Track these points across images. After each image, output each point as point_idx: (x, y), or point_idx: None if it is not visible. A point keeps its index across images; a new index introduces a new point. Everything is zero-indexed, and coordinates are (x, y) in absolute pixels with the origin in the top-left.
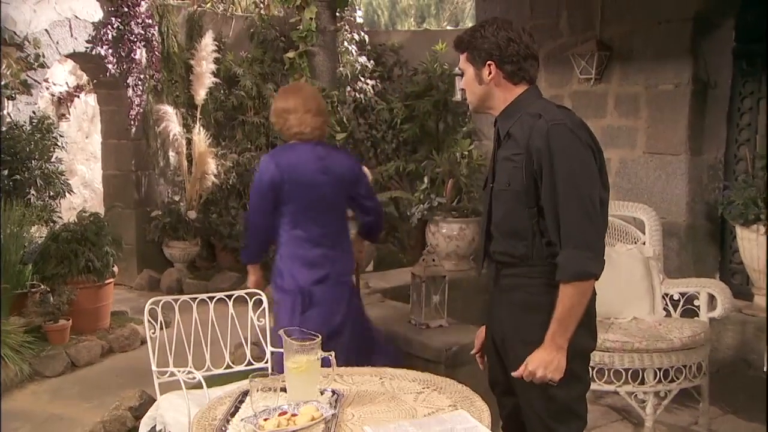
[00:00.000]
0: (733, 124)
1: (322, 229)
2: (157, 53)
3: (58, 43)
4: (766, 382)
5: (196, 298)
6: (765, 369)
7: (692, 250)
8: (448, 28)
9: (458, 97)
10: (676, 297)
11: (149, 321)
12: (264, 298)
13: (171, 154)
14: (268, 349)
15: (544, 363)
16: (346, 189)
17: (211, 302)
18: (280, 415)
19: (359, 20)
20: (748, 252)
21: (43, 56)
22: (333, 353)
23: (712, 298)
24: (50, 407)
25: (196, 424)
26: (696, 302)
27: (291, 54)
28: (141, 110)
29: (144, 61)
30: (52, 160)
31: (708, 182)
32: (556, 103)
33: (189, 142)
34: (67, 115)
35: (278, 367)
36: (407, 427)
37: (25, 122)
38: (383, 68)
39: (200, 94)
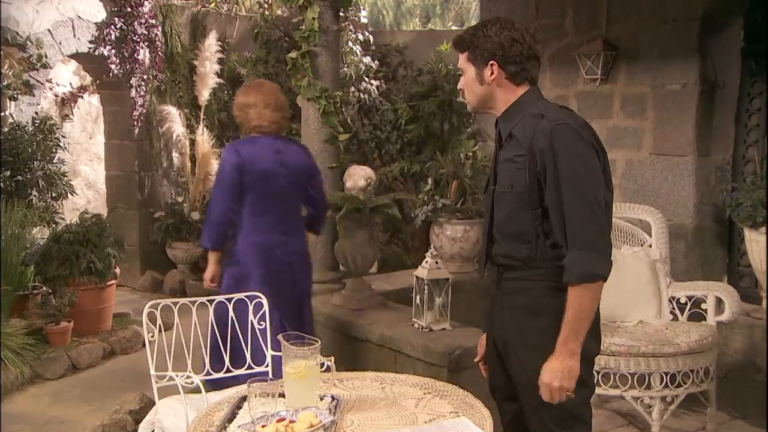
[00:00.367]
0: (742, 125)
1: (277, 217)
2: (160, 53)
3: (60, 43)
4: (766, 384)
5: (195, 301)
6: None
7: (699, 253)
8: (453, 28)
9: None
10: (683, 300)
11: (147, 324)
12: (264, 301)
13: (174, 154)
14: (269, 353)
15: (558, 372)
16: (301, 180)
17: (211, 305)
18: (278, 421)
19: (364, 20)
20: (757, 254)
21: (46, 57)
22: (332, 358)
23: (719, 302)
24: (50, 410)
25: (193, 431)
26: (703, 306)
27: (293, 54)
28: (144, 111)
29: (147, 61)
30: (55, 160)
31: (716, 184)
32: (558, 103)
33: (192, 142)
34: (71, 116)
35: (279, 372)
36: None
37: (27, 123)
38: (388, 68)
39: (204, 95)
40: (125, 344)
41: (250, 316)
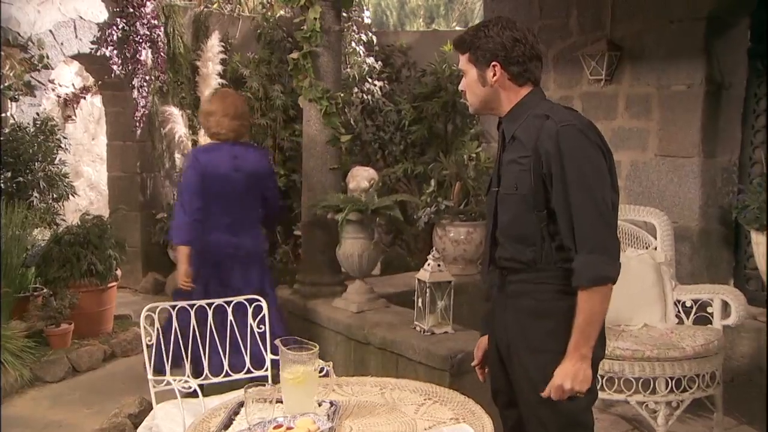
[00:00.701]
0: (748, 126)
1: (232, 218)
2: (162, 54)
3: (62, 44)
4: (766, 388)
5: (194, 305)
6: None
7: (705, 256)
8: (457, 28)
9: None
10: (688, 304)
11: (145, 328)
12: (264, 305)
13: (176, 155)
14: (268, 357)
15: (570, 375)
16: (256, 184)
17: (210, 309)
18: (275, 428)
19: (367, 21)
20: (763, 257)
21: (47, 57)
22: (331, 364)
23: (725, 305)
24: (50, 413)
25: None
26: (709, 309)
27: (295, 55)
28: (146, 112)
29: (149, 62)
30: (56, 162)
31: (722, 185)
32: (562, 104)
33: (194, 143)
34: (73, 117)
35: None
36: None
37: (28, 124)
38: (391, 69)
39: (206, 96)
40: (126, 347)
41: (249, 320)
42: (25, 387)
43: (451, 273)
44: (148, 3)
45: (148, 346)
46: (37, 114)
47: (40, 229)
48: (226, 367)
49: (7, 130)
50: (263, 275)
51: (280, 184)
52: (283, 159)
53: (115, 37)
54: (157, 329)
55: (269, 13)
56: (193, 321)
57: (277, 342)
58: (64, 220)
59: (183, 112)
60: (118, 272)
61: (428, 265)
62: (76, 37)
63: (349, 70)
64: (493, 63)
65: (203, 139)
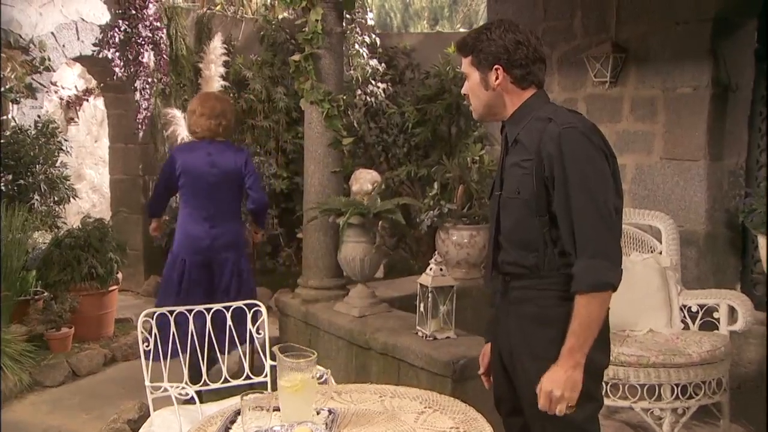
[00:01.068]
0: (755, 129)
1: (207, 211)
2: (165, 56)
3: (64, 46)
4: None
5: (192, 310)
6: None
7: (711, 260)
8: (461, 30)
9: None
10: (694, 309)
11: (142, 333)
12: (263, 310)
13: None
14: (267, 363)
15: (559, 381)
16: (231, 181)
17: (209, 314)
18: None
19: (371, 22)
20: None
21: (49, 60)
22: (329, 371)
23: (732, 311)
24: (49, 418)
25: None
26: (715, 314)
27: (296, 57)
28: (148, 114)
29: (152, 64)
30: (57, 164)
31: (728, 189)
32: (566, 107)
33: None
34: (76, 119)
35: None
36: None
37: (29, 126)
38: (395, 71)
39: None
40: (127, 350)
41: (248, 324)
42: (24, 391)
43: (454, 277)
44: (150, 5)
45: (145, 352)
46: (39, 116)
47: (41, 232)
48: (224, 373)
49: (8, 133)
50: (240, 263)
51: (282, 187)
52: (286, 161)
53: (117, 39)
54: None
55: (271, 15)
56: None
57: (275, 349)
58: (65, 223)
59: (185, 114)
60: (119, 275)
61: (430, 269)
62: (78, 39)
63: (352, 72)
64: (496, 66)
65: None
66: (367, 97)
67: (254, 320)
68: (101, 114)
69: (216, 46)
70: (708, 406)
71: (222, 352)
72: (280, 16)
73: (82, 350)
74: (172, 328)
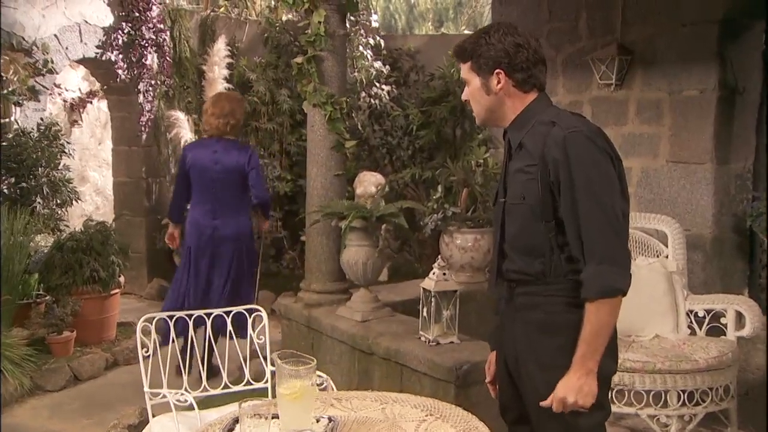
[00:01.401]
0: (763, 132)
1: (211, 205)
2: (168, 58)
3: (67, 48)
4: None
5: (191, 315)
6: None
7: (718, 265)
8: (466, 32)
9: None
10: (701, 314)
11: (141, 339)
12: (264, 315)
13: None
14: (268, 369)
15: (574, 389)
16: (234, 176)
17: (209, 319)
18: None
19: (375, 24)
20: None
21: (52, 62)
22: (329, 378)
23: (740, 316)
24: (49, 423)
25: None
26: (723, 320)
27: (299, 59)
28: (152, 116)
29: (155, 66)
30: (60, 167)
31: (736, 193)
32: (570, 110)
33: None
34: (80, 122)
35: None
36: None
37: (32, 129)
38: (399, 73)
39: None
40: (128, 354)
41: (249, 330)
42: (25, 396)
43: (459, 281)
44: (153, 7)
45: (144, 358)
46: (41, 119)
47: (43, 235)
48: (225, 379)
49: (10, 135)
50: (241, 256)
51: (286, 189)
52: (290, 164)
53: (120, 42)
54: (154, 340)
55: (273, 17)
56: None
57: (274, 356)
58: (67, 226)
59: (189, 116)
60: (121, 279)
61: (433, 273)
62: (81, 41)
63: (356, 74)
64: (497, 70)
65: None
66: (372, 100)
67: (255, 325)
68: (105, 116)
69: (220, 48)
70: (715, 413)
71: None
72: (284, 18)
73: (84, 354)
74: (172, 334)
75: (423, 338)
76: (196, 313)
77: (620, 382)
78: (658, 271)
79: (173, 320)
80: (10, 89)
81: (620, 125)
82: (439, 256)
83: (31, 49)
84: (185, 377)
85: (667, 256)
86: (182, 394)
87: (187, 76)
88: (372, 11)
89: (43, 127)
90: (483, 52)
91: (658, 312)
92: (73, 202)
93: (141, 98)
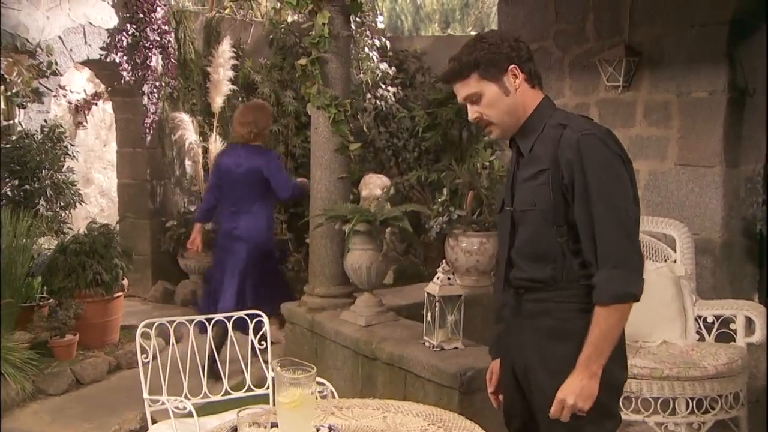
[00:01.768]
0: None
1: (234, 205)
2: (173, 60)
3: (71, 50)
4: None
5: (192, 320)
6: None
7: (728, 269)
8: (473, 33)
9: None
10: (710, 320)
11: (141, 345)
12: (266, 320)
13: (187, 163)
14: (269, 374)
15: (575, 391)
16: (254, 178)
17: (210, 324)
18: None
19: (381, 25)
20: None
21: (56, 64)
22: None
23: (750, 322)
24: (50, 428)
25: None
26: (732, 326)
27: (302, 61)
28: (156, 118)
29: (160, 68)
30: (63, 169)
31: (745, 196)
32: (577, 112)
33: (205, 150)
34: (85, 123)
35: None
36: None
37: (36, 131)
38: (405, 75)
39: (217, 102)
40: (131, 358)
41: (251, 336)
42: (26, 400)
43: (464, 284)
44: (158, 8)
45: (144, 364)
46: (45, 121)
47: (46, 238)
48: (225, 385)
49: (14, 137)
50: (255, 253)
51: None
52: (295, 166)
53: (124, 43)
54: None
55: (276, 19)
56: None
57: (274, 363)
58: (70, 229)
59: (193, 118)
60: (125, 282)
61: (438, 278)
62: (86, 43)
63: (362, 75)
64: (511, 66)
65: (213, 146)
66: (377, 101)
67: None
68: (110, 118)
69: (225, 49)
70: (725, 420)
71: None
72: (290, 20)
73: (87, 358)
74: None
75: (427, 343)
76: (197, 318)
77: (627, 388)
78: (666, 275)
79: (173, 326)
80: (13, 91)
81: (628, 127)
82: (444, 260)
83: (35, 51)
84: (185, 383)
85: (675, 261)
86: (181, 401)
87: (192, 78)
88: (378, 12)
89: (46, 129)
90: (489, 56)
91: (666, 317)
92: (78, 204)
93: (145, 100)
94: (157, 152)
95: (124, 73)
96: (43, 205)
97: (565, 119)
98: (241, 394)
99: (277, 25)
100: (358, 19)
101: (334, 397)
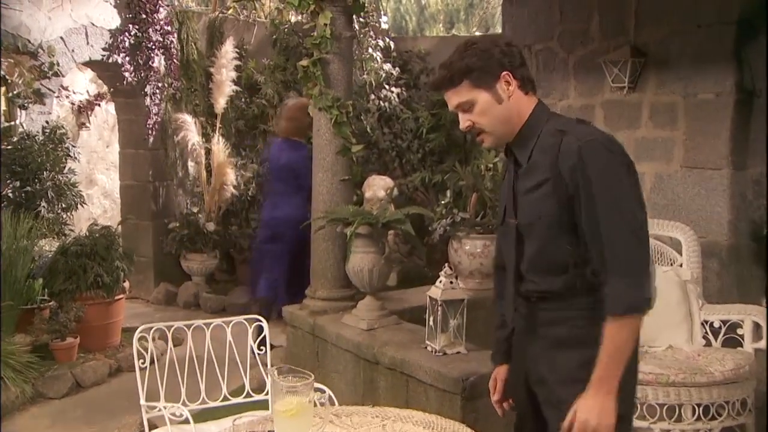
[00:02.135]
0: None
1: (275, 196)
2: (175, 61)
3: (73, 51)
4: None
5: (191, 325)
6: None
7: (735, 273)
8: (477, 33)
9: None
10: (716, 324)
11: (138, 350)
12: (265, 325)
13: (190, 164)
14: (269, 380)
15: (596, 411)
16: (285, 173)
17: (208, 329)
18: None
19: (384, 26)
20: None
21: (58, 64)
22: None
23: (757, 327)
24: None
25: None
26: (739, 331)
27: (304, 62)
28: (159, 119)
29: (162, 68)
30: (65, 171)
31: (753, 199)
32: (579, 115)
33: (208, 151)
34: (88, 124)
35: None
36: None
37: (37, 132)
38: (409, 75)
39: (220, 103)
40: (132, 361)
41: (249, 341)
42: (26, 403)
43: (468, 287)
44: (161, 9)
45: (141, 369)
46: (47, 122)
47: (48, 240)
48: (224, 391)
49: (15, 139)
50: (293, 243)
51: None
52: None
53: (127, 44)
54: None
55: (279, 19)
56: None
57: (272, 371)
58: (72, 230)
59: (196, 119)
60: (126, 284)
61: (440, 282)
62: (88, 43)
63: (365, 76)
64: (503, 73)
65: (215, 147)
66: (381, 102)
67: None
68: (113, 119)
69: (228, 50)
70: (732, 427)
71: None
72: (293, 20)
73: (88, 361)
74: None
75: (429, 348)
76: (195, 322)
77: None
78: (672, 279)
79: (171, 330)
80: (15, 92)
81: (633, 129)
82: (447, 264)
83: (37, 52)
84: (182, 389)
85: (681, 265)
86: (178, 408)
87: (195, 79)
88: (382, 12)
89: (48, 131)
90: (480, 63)
91: (671, 322)
92: (79, 205)
93: (148, 101)
94: (160, 153)
95: (127, 74)
96: (44, 206)
97: (564, 125)
98: (240, 399)
99: (279, 25)
100: (361, 20)
101: (333, 403)
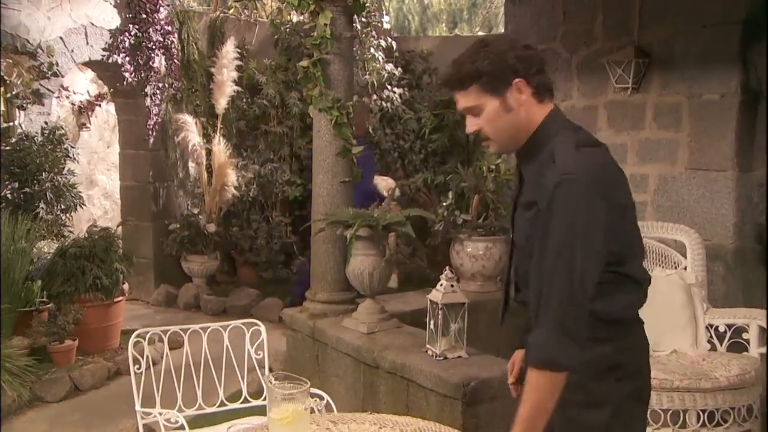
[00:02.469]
0: None
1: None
2: (176, 61)
3: (73, 51)
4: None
5: (187, 329)
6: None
7: (740, 277)
8: (480, 33)
9: None
10: (721, 329)
11: (134, 356)
12: (262, 329)
13: (190, 165)
14: (266, 385)
15: None
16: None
17: (205, 333)
18: None
19: (387, 26)
20: None
21: (57, 65)
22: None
23: (763, 331)
24: None
25: None
26: (745, 335)
27: (304, 63)
28: (159, 120)
29: (163, 69)
30: (64, 172)
31: (758, 201)
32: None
33: (209, 152)
34: (88, 125)
35: None
36: None
37: (36, 133)
38: (412, 76)
39: (221, 103)
40: None
41: (247, 345)
42: (23, 407)
43: (469, 290)
44: (161, 9)
45: (137, 375)
46: (46, 123)
47: (46, 242)
48: (221, 396)
49: (14, 140)
50: None
51: (296, 194)
52: (300, 168)
53: (127, 44)
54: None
55: (279, 19)
56: None
57: (266, 378)
58: (71, 232)
59: (197, 120)
60: (125, 286)
61: (441, 285)
62: (87, 43)
63: (367, 76)
64: (516, 80)
65: (216, 148)
66: (383, 103)
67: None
68: (113, 119)
69: (229, 50)
70: None
71: None
72: (295, 20)
73: (86, 363)
74: None
75: (430, 352)
76: (192, 327)
77: None
78: (676, 283)
79: (167, 335)
80: (13, 93)
81: (637, 130)
82: (448, 267)
83: (36, 52)
84: (179, 395)
85: (685, 268)
86: (174, 414)
87: (196, 79)
88: (384, 12)
89: (47, 131)
90: (492, 67)
91: (676, 326)
92: (78, 207)
93: (148, 101)
94: (160, 154)
95: (127, 74)
96: (43, 208)
97: (558, 148)
98: (237, 405)
99: (280, 25)
100: (363, 20)
101: (331, 410)
